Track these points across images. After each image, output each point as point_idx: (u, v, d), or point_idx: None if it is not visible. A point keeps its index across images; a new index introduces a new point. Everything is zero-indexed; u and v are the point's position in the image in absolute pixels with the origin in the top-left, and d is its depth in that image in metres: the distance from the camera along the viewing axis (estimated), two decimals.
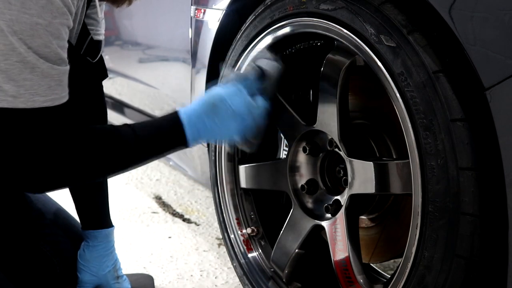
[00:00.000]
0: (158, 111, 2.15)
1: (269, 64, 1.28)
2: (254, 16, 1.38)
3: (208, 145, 1.62)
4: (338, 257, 1.26)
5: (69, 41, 1.16)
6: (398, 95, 1.03)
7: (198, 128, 1.20)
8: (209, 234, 2.07)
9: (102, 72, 1.50)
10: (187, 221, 2.20)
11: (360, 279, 1.24)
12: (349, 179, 1.22)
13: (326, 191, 1.38)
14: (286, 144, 1.51)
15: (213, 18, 1.56)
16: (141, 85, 2.27)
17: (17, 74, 1.05)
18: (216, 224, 2.02)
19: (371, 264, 1.51)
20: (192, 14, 1.67)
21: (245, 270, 1.50)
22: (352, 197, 1.23)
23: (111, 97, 2.62)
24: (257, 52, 1.36)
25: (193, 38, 1.69)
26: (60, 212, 1.54)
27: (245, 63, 1.39)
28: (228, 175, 1.53)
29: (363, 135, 1.34)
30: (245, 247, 1.52)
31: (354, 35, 1.11)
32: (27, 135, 1.10)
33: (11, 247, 1.37)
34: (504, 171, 0.90)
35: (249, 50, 1.40)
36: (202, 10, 1.61)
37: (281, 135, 1.52)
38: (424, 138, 1.00)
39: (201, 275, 1.76)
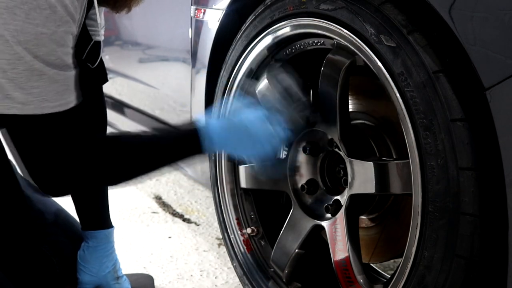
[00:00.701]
0: (158, 111, 2.15)
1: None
2: (254, 16, 1.38)
3: None
4: (338, 257, 1.26)
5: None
6: (398, 95, 1.03)
7: (213, 137, 1.23)
8: (209, 234, 2.07)
9: (102, 77, 1.51)
10: (187, 221, 2.20)
11: (360, 279, 1.24)
12: (349, 179, 1.22)
13: (326, 191, 1.38)
14: (286, 144, 1.51)
15: (213, 18, 1.56)
16: (141, 85, 2.27)
17: (24, 82, 1.08)
18: (216, 224, 2.02)
19: (371, 264, 1.51)
20: (192, 14, 1.67)
21: (245, 270, 1.50)
22: (352, 197, 1.23)
23: (111, 97, 2.61)
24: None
25: (193, 38, 1.68)
26: (60, 212, 1.53)
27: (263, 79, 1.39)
28: (228, 175, 1.53)
29: (363, 135, 1.34)
30: (245, 247, 1.52)
31: (354, 35, 1.11)
32: (46, 140, 1.14)
33: (11, 247, 1.37)
34: (504, 171, 0.90)
35: (249, 50, 1.40)
36: (202, 10, 1.61)
37: None
38: (424, 138, 0.99)
39: (201, 275, 1.76)
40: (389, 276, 1.35)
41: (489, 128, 0.92)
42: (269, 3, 1.33)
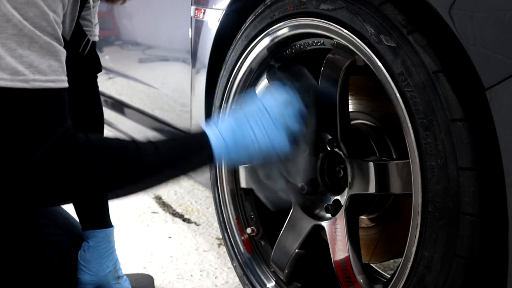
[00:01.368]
0: (158, 111, 2.15)
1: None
2: (254, 16, 1.38)
3: None
4: (338, 257, 1.26)
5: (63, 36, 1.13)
6: (398, 95, 1.03)
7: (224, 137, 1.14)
8: (209, 234, 2.07)
9: (95, 65, 1.47)
10: (187, 221, 2.20)
11: (360, 279, 1.24)
12: (349, 179, 1.22)
13: (326, 191, 1.38)
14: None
15: (213, 18, 1.56)
16: (141, 85, 2.27)
17: (13, 49, 0.97)
18: (216, 224, 2.02)
19: (371, 264, 1.51)
20: (192, 14, 1.67)
21: (245, 270, 1.50)
22: (352, 197, 1.23)
23: (111, 97, 2.61)
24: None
25: (193, 38, 1.69)
26: (59, 212, 1.53)
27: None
28: (228, 175, 1.53)
29: (363, 135, 1.34)
30: (245, 247, 1.52)
31: (354, 35, 1.11)
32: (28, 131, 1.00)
33: (11, 246, 1.37)
34: (504, 171, 0.90)
35: (249, 50, 1.40)
36: (202, 10, 1.61)
37: None
38: (424, 138, 0.99)
39: (201, 275, 1.76)
40: (389, 276, 1.35)
41: (489, 128, 0.92)
42: (269, 3, 1.33)
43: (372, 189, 1.18)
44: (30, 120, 1.01)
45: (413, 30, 1.02)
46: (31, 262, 1.39)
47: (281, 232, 1.40)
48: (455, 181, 0.96)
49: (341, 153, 1.26)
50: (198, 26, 1.65)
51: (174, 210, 2.31)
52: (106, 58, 2.56)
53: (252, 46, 1.39)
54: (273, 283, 1.46)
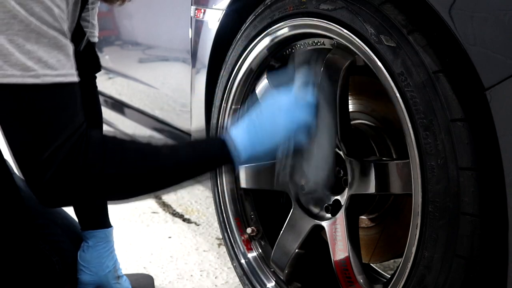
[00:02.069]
0: (158, 111, 2.15)
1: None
2: (254, 16, 1.38)
3: None
4: (338, 257, 1.26)
5: None
6: (398, 95, 1.03)
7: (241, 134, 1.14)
8: (209, 234, 2.07)
9: (94, 65, 1.47)
10: (187, 221, 2.20)
11: (360, 279, 1.24)
12: (349, 179, 1.22)
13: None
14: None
15: (213, 18, 1.56)
16: (141, 85, 2.27)
17: (21, 45, 0.97)
18: (216, 224, 2.02)
19: (371, 264, 1.51)
20: (192, 14, 1.67)
21: (245, 270, 1.50)
22: (352, 197, 1.23)
23: (111, 97, 2.61)
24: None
25: (193, 38, 1.68)
26: (59, 212, 1.53)
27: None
28: (228, 175, 1.53)
29: (363, 135, 1.34)
30: (245, 247, 1.52)
31: (354, 35, 1.11)
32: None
33: (10, 246, 1.37)
34: (504, 171, 0.90)
35: (249, 50, 1.40)
36: (202, 10, 1.61)
37: None
38: (424, 138, 0.99)
39: (201, 275, 1.76)
40: (389, 276, 1.35)
41: (489, 128, 0.92)
42: (269, 3, 1.33)
43: (372, 189, 1.18)
44: (42, 115, 1.00)
45: (413, 30, 1.02)
46: (31, 262, 1.39)
47: (281, 232, 1.40)
48: (455, 181, 0.96)
49: (341, 153, 1.26)
50: (198, 26, 1.65)
51: (174, 210, 2.31)
52: (106, 58, 2.56)
53: (252, 46, 1.39)
54: (273, 283, 1.46)
